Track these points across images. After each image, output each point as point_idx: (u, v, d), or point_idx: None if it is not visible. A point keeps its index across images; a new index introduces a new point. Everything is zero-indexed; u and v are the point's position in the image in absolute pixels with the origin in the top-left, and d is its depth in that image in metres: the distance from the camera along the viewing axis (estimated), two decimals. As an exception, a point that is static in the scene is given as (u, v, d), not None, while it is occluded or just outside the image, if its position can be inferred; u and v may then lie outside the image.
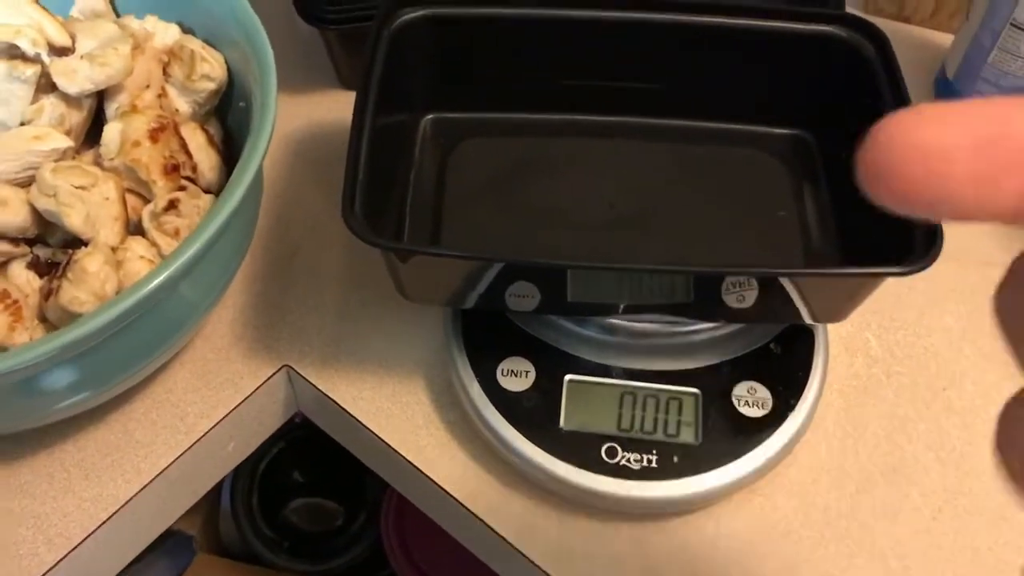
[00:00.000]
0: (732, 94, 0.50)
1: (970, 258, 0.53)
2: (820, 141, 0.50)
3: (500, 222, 0.48)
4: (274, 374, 0.49)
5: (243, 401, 0.48)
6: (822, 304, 0.43)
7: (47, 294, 0.39)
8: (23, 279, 0.40)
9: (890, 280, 0.41)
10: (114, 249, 0.40)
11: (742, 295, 0.41)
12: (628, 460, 0.43)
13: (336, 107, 0.60)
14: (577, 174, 0.50)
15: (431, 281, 0.43)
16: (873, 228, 0.45)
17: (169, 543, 0.74)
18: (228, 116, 0.49)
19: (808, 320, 0.45)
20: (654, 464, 0.43)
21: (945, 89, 0.58)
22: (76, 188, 0.40)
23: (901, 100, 0.44)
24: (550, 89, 0.51)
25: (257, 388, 0.48)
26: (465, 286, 0.42)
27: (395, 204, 0.47)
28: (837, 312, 0.44)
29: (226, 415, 0.47)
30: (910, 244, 0.40)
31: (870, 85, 0.45)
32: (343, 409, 0.48)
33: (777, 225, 0.48)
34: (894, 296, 0.52)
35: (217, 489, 0.73)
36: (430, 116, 0.51)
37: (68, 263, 0.39)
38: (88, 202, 0.40)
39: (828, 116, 0.49)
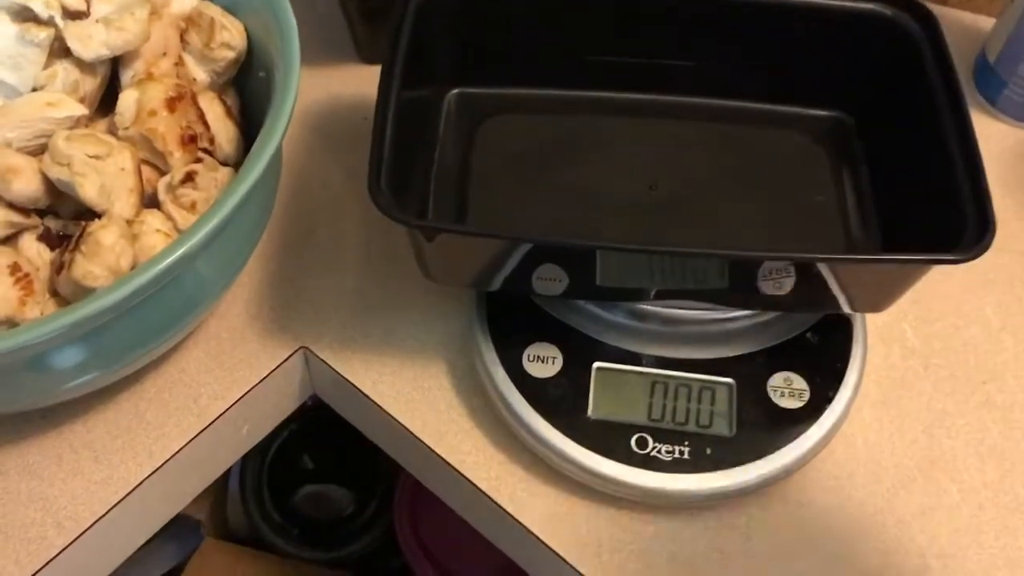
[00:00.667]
0: (770, 73, 0.48)
1: (1010, 248, 0.51)
2: (861, 124, 0.48)
3: (528, 202, 0.46)
4: (291, 356, 0.47)
5: (258, 383, 0.46)
6: (863, 293, 0.41)
7: (59, 267, 0.38)
8: (34, 251, 0.39)
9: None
10: (129, 222, 0.39)
11: (779, 282, 0.40)
12: (659, 451, 0.42)
13: (355, 81, 0.58)
14: (607, 154, 0.48)
15: (456, 261, 0.42)
16: (914, 215, 0.43)
17: (176, 527, 0.73)
18: (246, 87, 0.47)
19: (847, 310, 0.43)
20: (686, 456, 0.42)
21: (986, 74, 0.57)
22: (91, 157, 0.38)
23: (950, 83, 0.42)
24: (581, 65, 0.49)
25: (273, 370, 0.47)
26: (491, 267, 0.40)
27: (419, 181, 0.46)
28: (879, 302, 0.42)
29: (240, 397, 0.46)
30: (955, 231, 0.38)
31: (915, 66, 0.44)
32: (362, 393, 0.46)
33: (815, 210, 0.46)
34: (931, 286, 0.50)
35: (225, 473, 0.71)
36: (455, 91, 0.50)
37: (81, 236, 0.37)
38: (103, 172, 0.38)
39: (870, 98, 0.47)
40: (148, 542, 0.72)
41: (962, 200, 0.39)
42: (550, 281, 0.41)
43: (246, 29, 0.46)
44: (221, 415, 0.45)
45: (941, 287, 0.50)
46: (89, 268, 0.36)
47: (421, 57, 0.44)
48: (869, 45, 0.46)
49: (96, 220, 0.38)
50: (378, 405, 0.46)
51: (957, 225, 0.38)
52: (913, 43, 0.44)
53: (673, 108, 0.49)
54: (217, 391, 0.46)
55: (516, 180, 0.47)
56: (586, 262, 0.40)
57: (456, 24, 0.47)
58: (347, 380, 0.47)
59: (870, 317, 0.48)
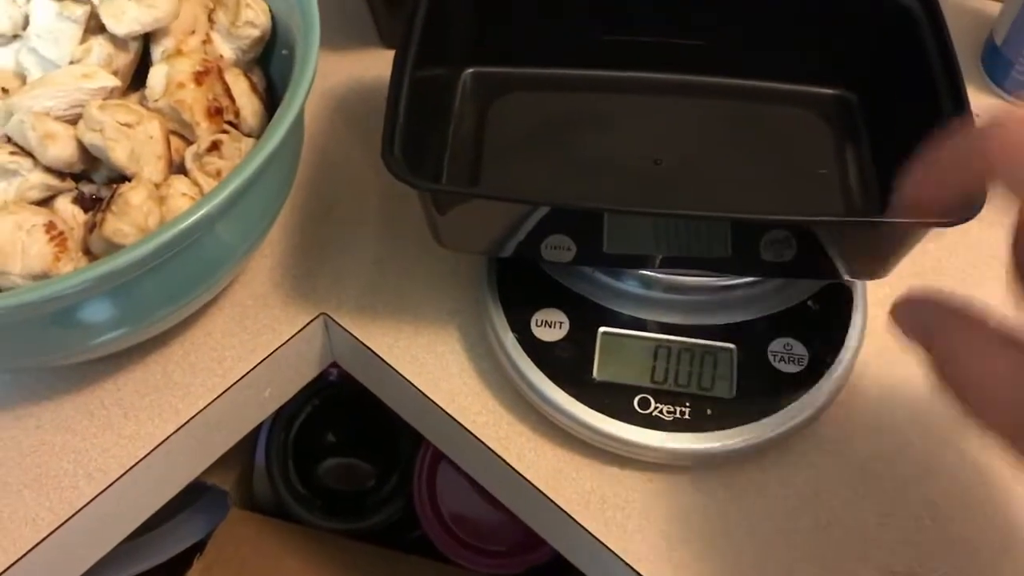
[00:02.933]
0: (776, 52, 0.49)
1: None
2: (863, 101, 0.50)
3: (540, 175, 0.48)
4: (311, 321, 0.49)
5: (280, 347, 0.48)
6: (862, 259, 0.43)
7: (91, 227, 0.40)
8: (68, 213, 0.41)
9: (931, 246, 0.40)
10: (157, 186, 0.41)
11: (780, 250, 0.41)
12: (661, 411, 0.43)
13: (376, 65, 0.61)
14: (615, 130, 0.50)
15: (467, 227, 0.43)
16: None
17: (205, 499, 0.75)
18: (271, 65, 0.50)
19: (847, 277, 0.44)
20: (687, 416, 0.43)
21: (994, 56, 0.57)
22: (122, 124, 0.41)
23: (949, 64, 0.43)
24: (593, 45, 0.51)
25: (294, 335, 0.49)
26: (501, 233, 0.42)
27: (433, 156, 0.47)
28: (877, 269, 0.43)
29: (263, 360, 0.48)
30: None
31: (917, 47, 0.45)
32: (378, 356, 0.48)
33: (818, 182, 0.47)
34: (934, 261, 0.51)
35: (252, 446, 0.73)
36: (471, 70, 0.52)
37: (112, 197, 0.39)
38: (133, 138, 0.41)
39: (873, 77, 0.48)
40: (177, 514, 0.75)
41: None
42: (559, 249, 0.43)
43: (270, 9, 0.48)
44: (244, 376, 0.47)
45: (946, 262, 0.51)
46: (119, 226, 0.38)
47: (436, 35, 0.46)
48: (874, 25, 0.47)
49: (127, 183, 0.40)
50: (393, 368, 0.48)
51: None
52: (915, 24, 0.45)
53: (680, 86, 0.51)
54: (241, 354, 0.48)
55: (527, 155, 0.49)
56: (593, 228, 0.42)
57: (471, 3, 0.49)
58: (364, 345, 0.49)
59: (872, 287, 0.49)
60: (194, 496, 0.75)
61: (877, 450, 0.45)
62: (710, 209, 0.41)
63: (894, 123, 0.47)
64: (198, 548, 0.72)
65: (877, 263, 0.43)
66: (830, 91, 0.50)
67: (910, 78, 0.45)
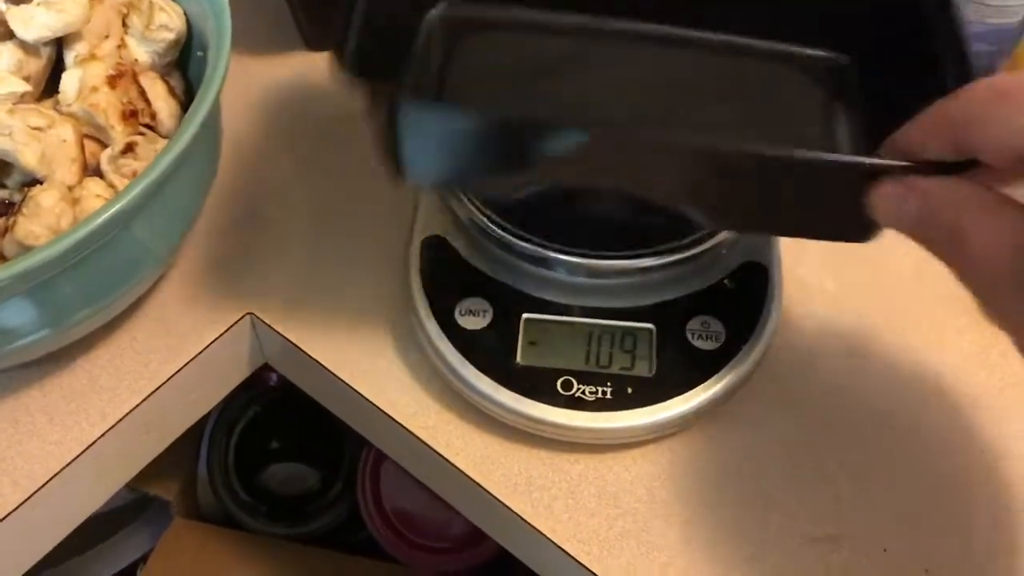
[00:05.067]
0: (768, 9, 0.47)
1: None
2: (859, 66, 0.48)
3: None
4: (237, 321, 0.49)
5: (206, 348, 0.48)
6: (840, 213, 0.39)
7: (3, 232, 0.40)
8: (-19, 218, 0.41)
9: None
10: (71, 188, 0.41)
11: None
12: (583, 392, 0.44)
13: (301, 69, 0.61)
14: (594, 79, 0.47)
15: (425, 150, 0.38)
16: None
17: (149, 512, 0.75)
18: (189, 68, 0.50)
19: (824, 235, 0.41)
20: (608, 396, 0.44)
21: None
22: (32, 128, 0.41)
23: (951, 28, 0.41)
24: None
25: (220, 335, 0.49)
26: (451, 153, 0.38)
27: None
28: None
29: (189, 361, 0.48)
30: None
31: (916, 10, 0.43)
32: (306, 354, 0.48)
33: (804, 141, 0.45)
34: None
35: (194, 456, 0.73)
36: (443, 2, 0.48)
37: (24, 200, 0.39)
38: (44, 142, 0.41)
39: (869, 39, 0.46)
40: (122, 527, 0.74)
41: None
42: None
43: (185, 13, 0.48)
44: (170, 378, 0.47)
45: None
46: (30, 228, 0.38)
47: None
48: None
49: (38, 186, 0.40)
50: (322, 365, 0.48)
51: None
52: None
53: (667, 39, 0.48)
54: (166, 356, 0.48)
55: (493, 97, 0.46)
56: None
57: None
58: (292, 343, 0.49)
59: (789, 267, 0.50)
60: (138, 510, 0.75)
61: (797, 424, 0.46)
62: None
63: (889, 88, 0.45)
64: (143, 560, 0.72)
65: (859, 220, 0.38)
66: (824, 53, 0.48)
67: (908, 41, 0.44)
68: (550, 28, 0.48)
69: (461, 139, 0.37)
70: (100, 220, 0.37)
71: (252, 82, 0.60)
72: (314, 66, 0.61)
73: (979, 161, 0.31)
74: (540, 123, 0.36)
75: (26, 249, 0.39)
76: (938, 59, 0.41)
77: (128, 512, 0.75)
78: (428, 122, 0.36)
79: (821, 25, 0.47)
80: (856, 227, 0.38)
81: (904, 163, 0.34)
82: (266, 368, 0.54)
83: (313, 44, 0.62)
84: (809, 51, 0.48)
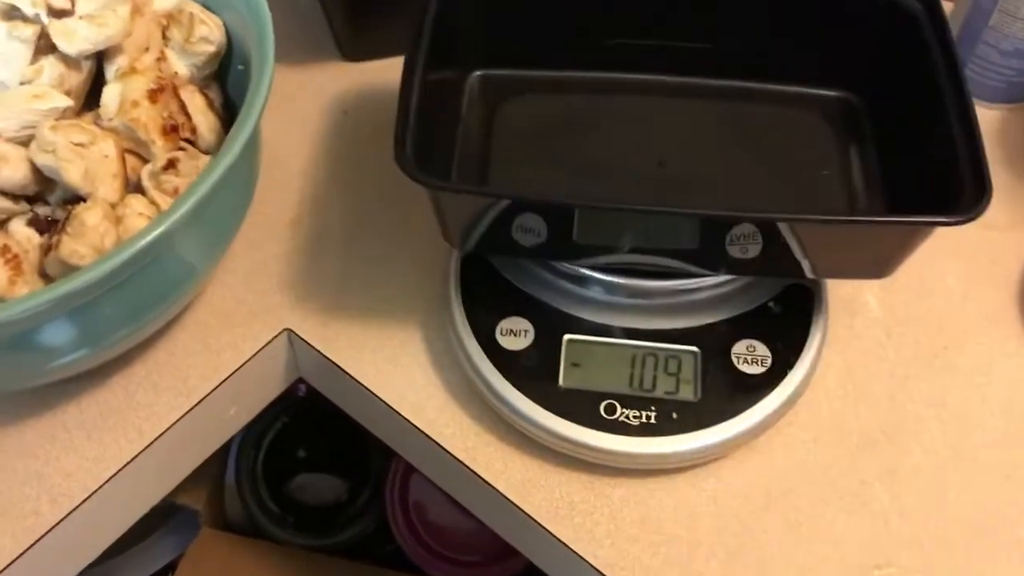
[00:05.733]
0: (781, 55, 0.50)
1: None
2: (868, 103, 0.50)
3: (546, 177, 0.48)
4: (275, 338, 0.49)
5: (244, 364, 0.48)
6: (862, 257, 0.43)
7: (47, 250, 0.40)
8: (23, 235, 0.41)
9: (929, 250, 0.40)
10: (113, 206, 0.41)
11: (745, 247, 0.41)
12: (627, 416, 0.43)
13: (337, 79, 0.60)
14: (621, 132, 0.50)
15: (475, 226, 0.43)
16: (917, 187, 0.44)
17: (175, 520, 0.74)
18: (228, 81, 0.49)
19: (848, 275, 0.46)
20: (652, 420, 0.43)
21: (947, 55, 0.58)
22: (75, 145, 0.40)
23: (952, 62, 0.43)
24: (600, 48, 0.51)
25: (258, 351, 0.48)
26: (502, 230, 0.42)
27: (442, 157, 0.47)
28: (882, 267, 0.43)
29: (227, 378, 0.48)
30: (954, 198, 0.39)
31: (919, 46, 0.45)
32: (343, 371, 0.48)
33: (821, 184, 0.48)
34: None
35: (222, 465, 0.73)
36: (478, 73, 0.52)
37: (68, 218, 0.39)
38: (87, 158, 0.40)
39: (876, 79, 0.49)
40: (148, 535, 0.74)
41: (961, 168, 0.40)
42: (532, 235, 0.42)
43: (225, 25, 0.48)
44: (208, 395, 0.47)
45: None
46: (74, 247, 0.38)
47: (445, 39, 0.46)
48: (877, 26, 0.48)
49: (82, 204, 0.40)
50: (359, 382, 0.48)
51: (957, 193, 0.39)
52: (917, 23, 0.46)
53: (686, 89, 0.51)
54: (205, 372, 0.48)
55: (536, 157, 0.49)
56: (567, 219, 0.41)
57: (479, 7, 0.49)
58: (329, 360, 0.48)
59: (834, 288, 0.49)
60: (165, 517, 0.75)
61: (843, 449, 0.45)
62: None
63: (897, 124, 0.48)
64: (170, 569, 0.72)
65: (885, 259, 0.43)
66: (833, 93, 0.51)
67: (913, 79, 0.46)
68: (578, 87, 0.52)
69: (492, 215, 0.41)
70: (145, 241, 0.36)
71: (288, 93, 0.59)
72: (349, 75, 0.61)
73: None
74: (558, 202, 0.40)
75: (70, 268, 0.38)
76: (941, 93, 0.43)
77: (154, 520, 0.75)
78: (462, 203, 0.41)
79: (832, 67, 0.50)
80: (879, 268, 0.43)
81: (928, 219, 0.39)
82: (297, 380, 0.54)
83: (349, 54, 0.61)
84: (821, 92, 0.51)
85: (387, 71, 0.59)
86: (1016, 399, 0.47)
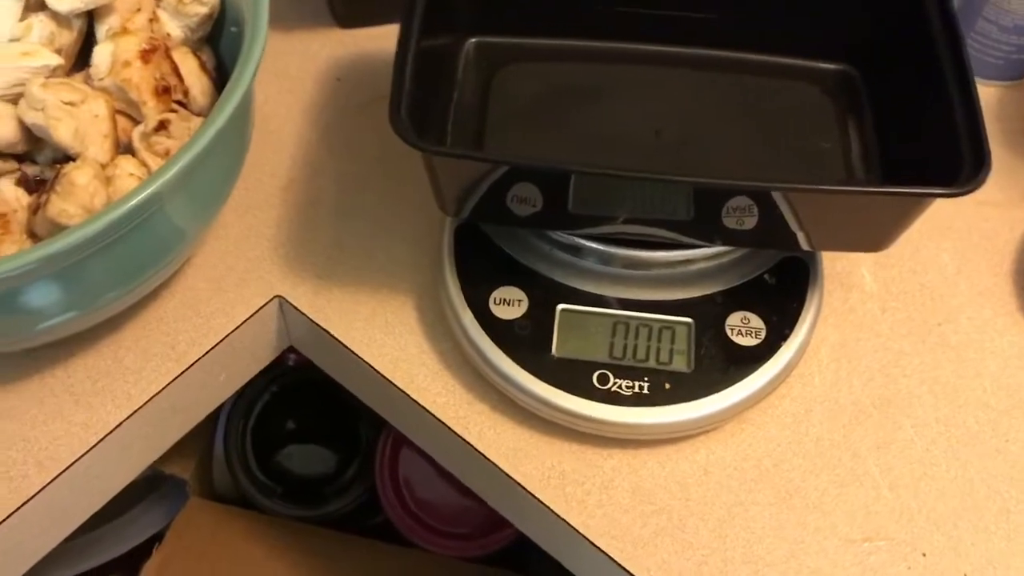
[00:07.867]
0: (781, 27, 0.49)
1: (967, 197, 0.52)
2: (866, 75, 0.50)
3: (541, 145, 0.48)
4: (266, 304, 0.48)
5: (234, 331, 0.48)
6: (859, 229, 0.43)
7: (35, 209, 0.39)
8: (11, 195, 0.40)
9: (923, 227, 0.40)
10: (103, 166, 0.40)
11: (741, 218, 0.41)
12: (620, 386, 0.43)
13: (330, 44, 0.60)
14: (618, 101, 0.50)
15: (469, 193, 0.42)
16: (916, 158, 0.44)
17: (163, 489, 0.74)
18: (221, 43, 0.49)
19: (844, 247, 0.45)
20: (645, 391, 0.43)
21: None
22: (65, 103, 0.40)
23: (953, 34, 0.43)
24: (597, 16, 0.50)
25: (248, 318, 0.48)
26: (491, 194, 0.41)
27: (437, 123, 0.47)
28: (880, 239, 0.43)
29: (217, 344, 0.47)
30: (953, 170, 0.39)
31: (920, 18, 0.45)
32: (335, 339, 0.48)
33: (820, 156, 0.47)
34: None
35: (210, 435, 0.72)
36: (474, 40, 0.51)
37: (57, 177, 0.38)
38: (77, 117, 0.40)
39: (875, 51, 0.48)
40: (137, 504, 0.74)
41: (960, 140, 0.40)
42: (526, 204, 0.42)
43: (218, -14, 0.47)
44: (198, 360, 0.47)
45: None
46: (63, 206, 0.37)
47: (441, 4, 0.45)
48: None
49: (71, 163, 0.39)
50: (351, 351, 0.47)
51: (955, 165, 0.39)
52: None
53: (684, 59, 0.51)
54: (194, 338, 0.47)
55: (530, 125, 0.49)
56: (563, 186, 0.41)
57: None
58: (321, 327, 0.48)
59: (829, 262, 0.49)
60: (153, 486, 0.74)
61: (835, 423, 0.45)
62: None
63: (896, 96, 0.47)
64: (158, 539, 0.72)
65: (880, 231, 0.42)
66: (833, 66, 0.50)
67: (913, 51, 0.45)
68: (575, 55, 0.51)
69: (487, 182, 0.40)
70: (136, 200, 0.36)
71: (280, 58, 0.59)
72: (343, 42, 0.60)
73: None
74: (557, 167, 0.40)
75: (58, 228, 0.38)
76: (940, 65, 0.42)
77: (141, 489, 0.75)
78: (457, 169, 0.41)
79: (831, 40, 0.49)
80: (876, 240, 0.43)
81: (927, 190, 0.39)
82: (286, 349, 0.54)
83: (343, 20, 0.61)
84: (820, 64, 0.50)
85: (381, 39, 0.59)
86: (1008, 375, 0.47)
